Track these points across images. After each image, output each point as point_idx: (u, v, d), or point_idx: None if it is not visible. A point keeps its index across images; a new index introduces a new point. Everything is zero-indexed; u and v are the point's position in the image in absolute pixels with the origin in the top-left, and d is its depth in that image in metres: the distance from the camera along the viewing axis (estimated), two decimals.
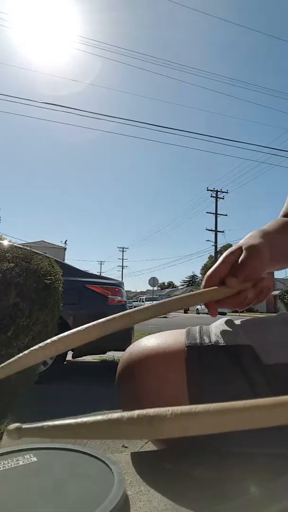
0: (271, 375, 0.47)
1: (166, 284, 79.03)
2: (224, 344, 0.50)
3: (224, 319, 0.58)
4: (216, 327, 0.55)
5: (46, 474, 0.41)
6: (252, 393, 0.47)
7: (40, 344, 0.40)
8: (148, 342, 0.54)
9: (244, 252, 0.51)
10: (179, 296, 0.50)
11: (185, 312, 35.73)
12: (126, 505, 0.36)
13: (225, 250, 0.54)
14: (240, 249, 0.52)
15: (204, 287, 0.51)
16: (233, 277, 0.49)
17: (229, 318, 0.59)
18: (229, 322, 0.56)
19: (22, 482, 0.38)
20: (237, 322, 0.57)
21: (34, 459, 0.42)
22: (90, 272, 3.95)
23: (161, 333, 0.57)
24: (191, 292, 0.51)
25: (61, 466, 0.42)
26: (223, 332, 0.53)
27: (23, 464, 0.41)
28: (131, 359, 0.53)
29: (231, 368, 0.49)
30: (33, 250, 1.74)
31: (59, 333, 0.43)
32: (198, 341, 0.52)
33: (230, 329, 0.53)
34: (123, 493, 0.35)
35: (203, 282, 0.52)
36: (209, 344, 0.51)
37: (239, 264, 0.51)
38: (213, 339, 0.52)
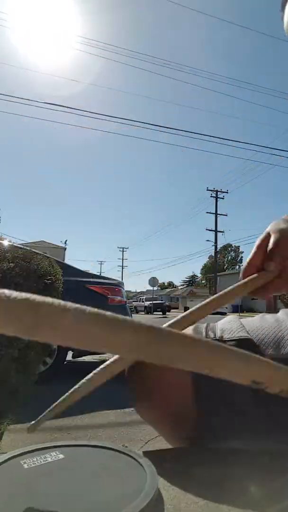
0: None
1: (166, 284, 79.07)
2: (227, 338, 0.54)
3: (230, 317, 0.61)
4: (222, 323, 0.58)
5: (78, 470, 0.41)
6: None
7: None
8: None
9: (273, 235, 0.51)
10: (223, 292, 0.48)
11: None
12: (160, 496, 0.36)
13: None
14: (269, 235, 0.52)
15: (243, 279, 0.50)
16: (270, 261, 0.48)
17: (235, 315, 0.62)
18: (234, 320, 0.59)
19: (56, 478, 0.39)
20: (243, 320, 0.60)
21: (61, 456, 0.43)
22: (90, 272, 3.95)
23: None
24: (234, 285, 0.48)
25: (91, 462, 0.43)
26: (228, 328, 0.56)
27: (52, 461, 0.42)
28: None
29: None
30: (33, 250, 1.74)
31: None
32: (203, 335, 0.55)
33: (234, 325, 0.57)
34: (157, 485, 0.36)
35: (241, 275, 0.51)
36: (214, 338, 0.54)
37: (272, 247, 0.50)
38: (218, 334, 0.55)
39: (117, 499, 0.35)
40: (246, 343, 0.52)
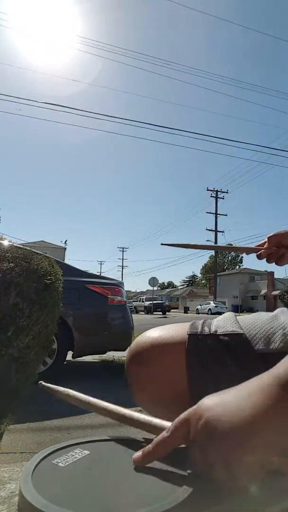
0: (261, 361, 0.51)
1: (166, 284, 79.02)
2: (221, 333, 0.56)
3: (227, 313, 0.63)
4: (218, 319, 0.61)
5: (111, 463, 0.41)
6: (243, 377, 0.50)
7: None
8: (153, 333, 0.61)
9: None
10: (244, 247, 0.81)
11: (185, 312, 35.75)
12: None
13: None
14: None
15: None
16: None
17: (232, 312, 0.65)
18: (229, 316, 0.61)
19: (96, 472, 0.39)
20: (238, 317, 0.62)
21: (87, 451, 0.43)
22: (90, 272, 3.95)
23: (165, 326, 0.63)
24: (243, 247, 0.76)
25: (120, 455, 0.43)
26: (223, 323, 0.59)
27: (81, 457, 0.42)
28: (138, 348, 0.60)
29: (225, 353, 0.54)
30: (33, 250, 1.74)
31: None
32: (199, 330, 0.58)
33: (229, 321, 0.59)
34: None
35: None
36: (209, 333, 0.57)
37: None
38: (213, 329, 0.57)
39: (163, 484, 0.35)
40: (238, 338, 0.54)
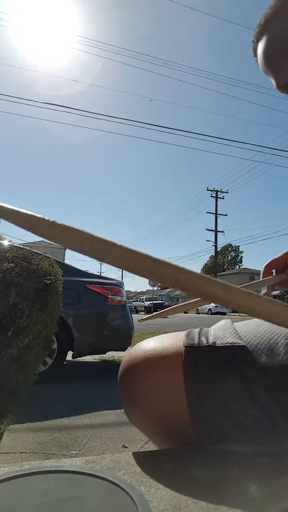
0: (265, 375, 0.48)
1: None
2: (220, 344, 0.52)
3: (223, 321, 0.60)
4: (215, 329, 0.57)
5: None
6: (247, 392, 0.48)
7: None
8: (147, 345, 0.57)
9: None
10: (245, 284, 0.61)
11: (185, 312, 35.78)
12: None
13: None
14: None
15: (264, 272, 0.66)
16: None
17: (228, 319, 0.61)
18: (227, 324, 0.57)
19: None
20: (236, 324, 0.58)
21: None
22: (90, 272, 3.95)
23: (159, 336, 0.59)
24: (256, 281, 0.64)
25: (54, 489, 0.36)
26: (221, 334, 0.55)
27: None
28: (131, 361, 0.56)
29: (226, 368, 0.50)
30: (33, 250, 1.74)
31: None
32: (196, 341, 0.54)
33: (228, 331, 0.55)
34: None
35: (263, 269, 0.67)
36: (207, 344, 0.53)
37: None
38: (211, 340, 0.54)
39: None
40: (239, 350, 0.51)
